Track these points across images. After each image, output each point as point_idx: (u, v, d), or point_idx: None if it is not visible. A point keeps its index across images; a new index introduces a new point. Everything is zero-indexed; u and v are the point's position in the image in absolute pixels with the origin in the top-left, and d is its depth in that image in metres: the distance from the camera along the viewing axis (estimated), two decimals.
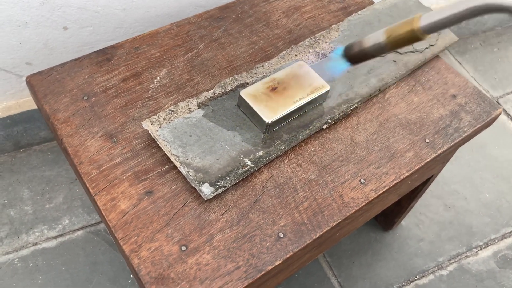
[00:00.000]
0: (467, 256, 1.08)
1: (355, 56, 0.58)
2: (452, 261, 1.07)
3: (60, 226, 1.00)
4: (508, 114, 1.36)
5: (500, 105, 1.38)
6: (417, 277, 1.03)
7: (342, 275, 1.01)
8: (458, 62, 1.48)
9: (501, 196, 1.18)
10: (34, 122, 1.06)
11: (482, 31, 1.57)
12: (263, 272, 0.55)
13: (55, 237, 0.99)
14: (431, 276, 1.04)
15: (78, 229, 1.01)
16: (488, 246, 1.10)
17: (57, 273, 0.95)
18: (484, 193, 1.19)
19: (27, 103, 1.02)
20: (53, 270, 0.95)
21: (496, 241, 1.11)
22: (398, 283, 1.02)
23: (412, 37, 0.51)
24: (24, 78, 0.96)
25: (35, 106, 1.01)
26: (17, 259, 0.95)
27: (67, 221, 1.01)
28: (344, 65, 0.60)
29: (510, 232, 1.12)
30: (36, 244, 0.98)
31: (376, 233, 1.08)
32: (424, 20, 0.49)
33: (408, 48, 0.80)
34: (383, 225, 1.08)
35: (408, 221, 1.11)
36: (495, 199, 1.18)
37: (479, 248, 1.09)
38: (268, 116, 0.64)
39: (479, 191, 1.19)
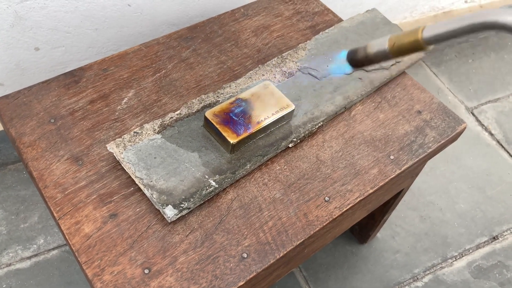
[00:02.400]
0: (442, 267, 1.09)
1: (359, 61, 0.59)
2: (428, 272, 1.08)
3: (35, 246, 1.00)
4: (482, 125, 1.38)
5: (475, 116, 1.41)
6: None
7: None
8: (434, 73, 1.51)
9: (475, 206, 1.20)
10: (8, 142, 1.06)
11: (457, 42, 1.60)
12: None
13: (29, 257, 0.98)
14: None
15: (53, 249, 1.00)
16: (462, 256, 1.11)
17: None
18: (459, 204, 1.20)
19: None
20: None
21: (470, 251, 1.12)
22: None
23: (415, 47, 0.52)
24: None
25: None
26: None
27: (42, 241, 1.01)
28: (346, 68, 0.62)
29: (484, 242, 1.14)
30: (10, 265, 0.97)
31: (352, 246, 1.09)
32: (428, 32, 0.51)
33: (375, 65, 0.81)
34: (358, 238, 1.09)
35: (384, 233, 1.12)
36: (470, 210, 1.19)
37: (454, 259, 1.10)
38: (233, 136, 0.65)
39: (454, 202, 1.20)
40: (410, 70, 1.27)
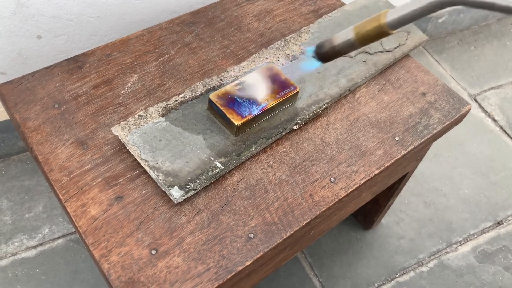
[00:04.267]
0: (447, 252, 1.09)
1: (326, 54, 0.58)
2: (432, 257, 1.08)
3: (40, 235, 1.00)
4: (485, 111, 1.38)
5: (478, 102, 1.40)
6: (398, 274, 1.04)
7: (324, 275, 1.02)
8: (436, 61, 1.50)
9: (479, 191, 1.20)
10: (11, 132, 1.05)
11: (459, 30, 1.59)
12: (233, 273, 0.56)
13: (34, 247, 0.98)
14: (412, 273, 1.05)
15: (58, 238, 1.00)
16: (467, 241, 1.11)
17: (37, 283, 0.94)
18: (463, 189, 1.20)
19: (4, 113, 1.01)
20: (33, 279, 0.94)
21: (475, 236, 1.12)
22: (379, 281, 1.03)
23: (380, 33, 0.52)
24: None
25: None
26: None
27: (47, 230, 1.01)
28: (315, 63, 0.61)
29: (488, 227, 1.14)
30: (15, 254, 0.97)
31: (357, 232, 1.09)
32: (390, 16, 0.51)
33: (378, 47, 0.81)
34: (363, 224, 1.09)
35: (388, 219, 1.12)
36: (474, 195, 1.19)
37: (458, 244, 1.10)
38: (238, 118, 0.65)
39: (458, 188, 1.20)
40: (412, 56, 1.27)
